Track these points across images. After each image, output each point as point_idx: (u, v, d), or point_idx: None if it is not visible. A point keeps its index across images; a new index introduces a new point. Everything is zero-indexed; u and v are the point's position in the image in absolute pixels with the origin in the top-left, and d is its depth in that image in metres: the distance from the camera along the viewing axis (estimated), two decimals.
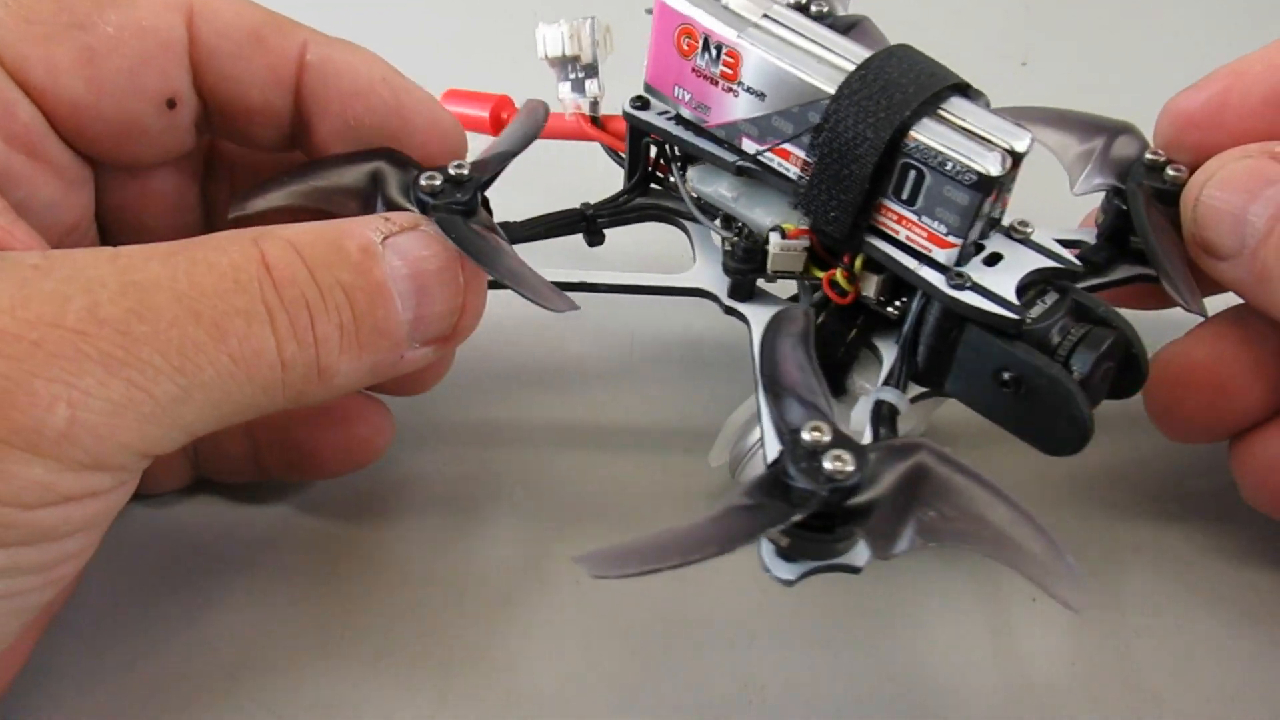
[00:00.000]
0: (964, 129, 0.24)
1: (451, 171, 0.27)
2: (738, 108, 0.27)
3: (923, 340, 0.26)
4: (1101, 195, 0.30)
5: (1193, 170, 0.28)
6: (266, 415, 0.24)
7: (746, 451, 0.28)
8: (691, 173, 0.30)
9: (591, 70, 0.32)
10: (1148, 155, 0.29)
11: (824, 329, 0.28)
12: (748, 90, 0.27)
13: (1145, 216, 0.27)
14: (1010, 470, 0.32)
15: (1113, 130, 0.30)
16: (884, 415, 0.26)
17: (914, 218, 0.25)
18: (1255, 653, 0.27)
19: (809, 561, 0.22)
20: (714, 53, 0.27)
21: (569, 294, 0.26)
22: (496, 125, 0.36)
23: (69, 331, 0.21)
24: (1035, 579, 0.20)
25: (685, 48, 0.28)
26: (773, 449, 0.23)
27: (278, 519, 0.32)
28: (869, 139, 0.24)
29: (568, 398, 0.36)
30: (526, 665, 0.27)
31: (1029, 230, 0.26)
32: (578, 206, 0.32)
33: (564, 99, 0.33)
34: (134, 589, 0.29)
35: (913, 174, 0.24)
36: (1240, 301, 0.29)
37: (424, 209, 0.26)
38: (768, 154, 0.27)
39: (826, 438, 0.21)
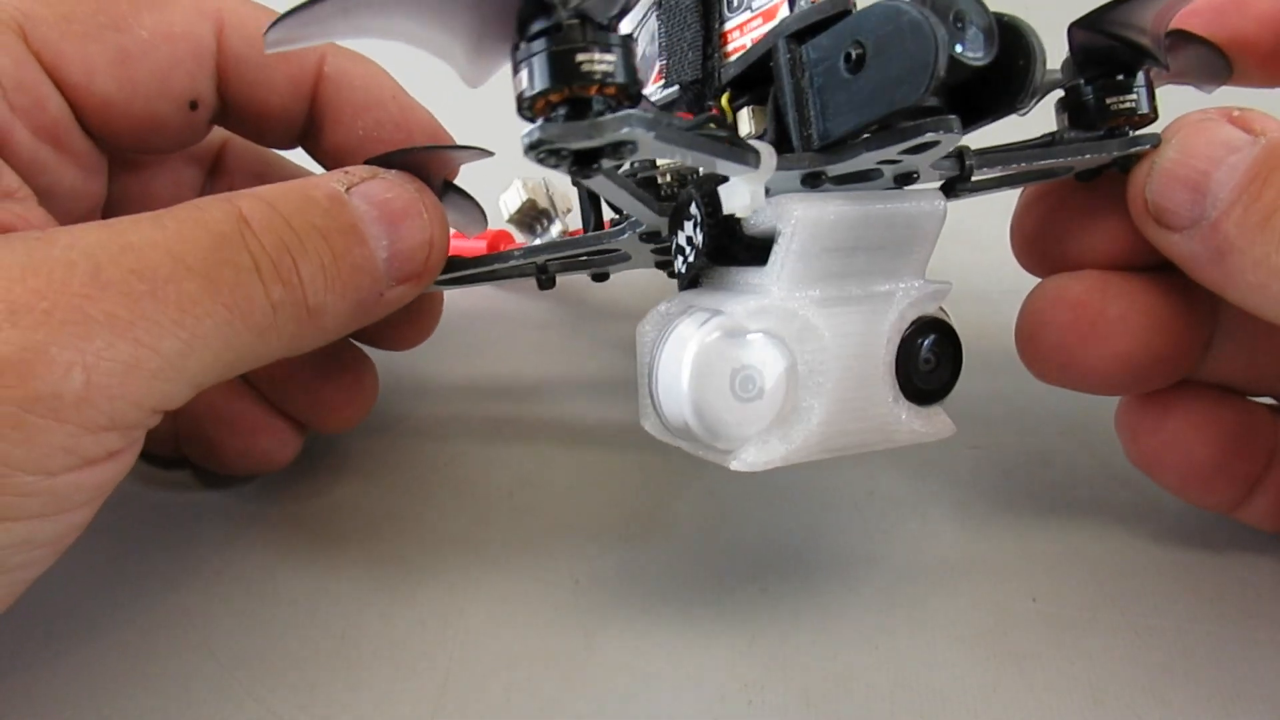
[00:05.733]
0: None
1: None
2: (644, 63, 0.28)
3: (784, 94, 0.23)
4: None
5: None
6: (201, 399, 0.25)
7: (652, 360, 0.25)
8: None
9: (547, 216, 0.32)
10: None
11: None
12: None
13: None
14: (1012, 473, 0.33)
15: None
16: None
17: (748, 15, 0.24)
18: (1255, 653, 0.27)
19: None
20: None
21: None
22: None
23: (75, 296, 0.21)
24: None
25: None
26: None
27: (276, 518, 0.32)
28: None
29: (569, 396, 0.36)
30: (526, 664, 0.28)
31: None
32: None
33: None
34: (131, 587, 0.29)
35: None
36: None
37: None
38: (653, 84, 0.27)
39: None
